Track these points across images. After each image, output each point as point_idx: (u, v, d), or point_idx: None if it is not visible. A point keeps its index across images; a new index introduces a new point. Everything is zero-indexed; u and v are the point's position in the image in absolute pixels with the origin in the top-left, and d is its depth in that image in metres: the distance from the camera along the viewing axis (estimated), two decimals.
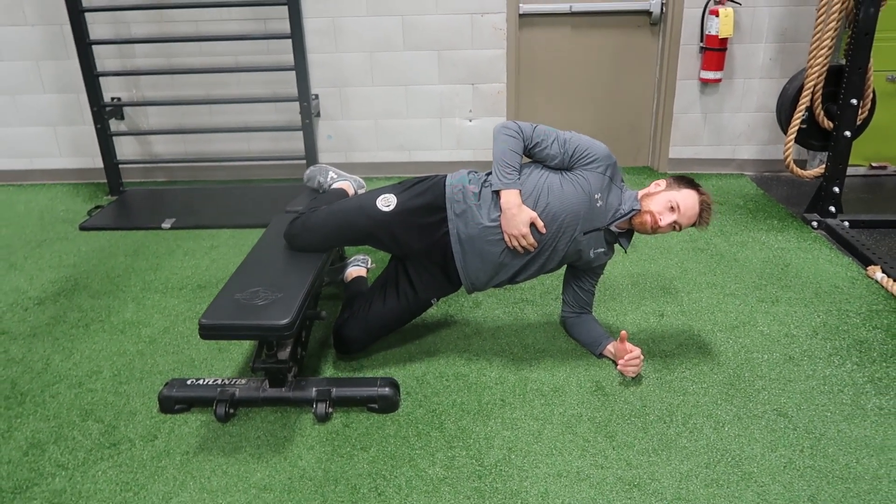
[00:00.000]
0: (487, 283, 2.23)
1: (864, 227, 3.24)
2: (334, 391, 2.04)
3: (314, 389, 2.04)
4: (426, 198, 2.17)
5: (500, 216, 2.08)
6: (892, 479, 1.76)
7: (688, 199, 2.09)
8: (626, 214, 2.12)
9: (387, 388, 2.05)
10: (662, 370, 2.23)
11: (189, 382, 2.09)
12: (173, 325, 2.57)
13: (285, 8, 3.59)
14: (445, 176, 2.22)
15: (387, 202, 2.17)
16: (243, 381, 2.09)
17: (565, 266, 2.32)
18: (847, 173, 3.28)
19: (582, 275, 2.32)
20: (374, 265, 2.81)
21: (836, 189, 3.26)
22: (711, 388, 2.13)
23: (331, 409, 2.03)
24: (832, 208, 3.29)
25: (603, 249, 2.20)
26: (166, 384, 2.10)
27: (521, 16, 3.90)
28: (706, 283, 2.80)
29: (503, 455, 1.87)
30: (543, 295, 2.73)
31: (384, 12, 3.85)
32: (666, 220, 2.08)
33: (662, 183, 2.17)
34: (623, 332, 2.16)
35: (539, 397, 2.11)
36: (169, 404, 2.06)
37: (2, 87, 4.03)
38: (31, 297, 2.80)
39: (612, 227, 2.14)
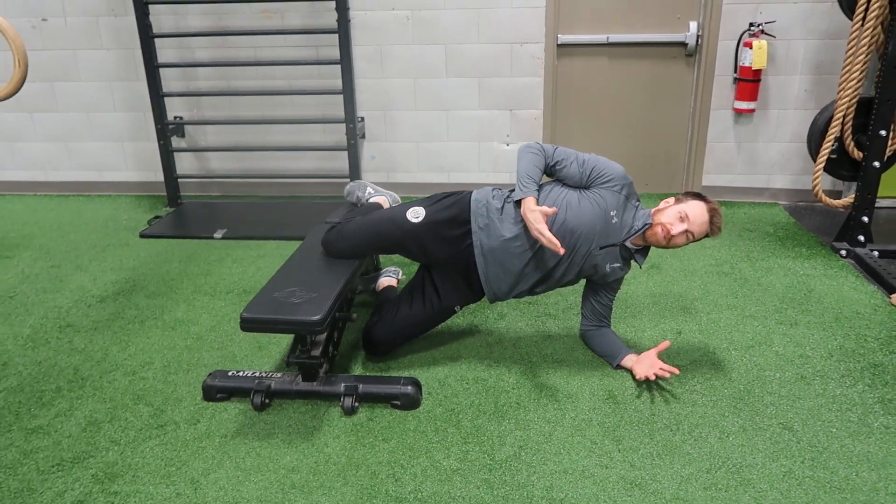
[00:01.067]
0: (508, 294, 2.37)
1: (894, 257, 3.26)
2: (361, 387, 2.20)
3: (343, 385, 2.20)
4: (452, 211, 2.34)
5: (521, 229, 2.23)
6: (890, 492, 1.82)
7: (696, 209, 2.22)
8: (639, 230, 2.24)
9: (409, 387, 2.20)
10: (674, 383, 2.32)
11: (230, 374, 2.29)
12: (219, 325, 2.78)
13: (336, 36, 3.85)
14: (471, 192, 2.39)
15: (416, 214, 2.35)
16: (279, 375, 2.27)
17: (584, 281, 2.45)
18: (882, 205, 3.31)
19: (599, 289, 2.44)
20: (403, 276, 2.99)
21: (865, 219, 3.29)
22: (720, 402, 2.22)
23: (357, 404, 2.19)
24: (861, 237, 3.32)
25: (619, 265, 2.32)
26: (209, 375, 2.30)
27: (559, 46, 4.06)
28: (727, 305, 2.87)
29: (514, 452, 2.00)
30: (566, 310, 2.85)
31: (429, 41, 4.08)
32: (677, 229, 2.19)
33: (671, 200, 2.30)
34: (631, 353, 2.36)
35: (553, 402, 2.23)
36: (211, 393, 2.25)
37: (79, 105, 4.40)
38: (94, 296, 3.07)
39: (628, 243, 2.26)
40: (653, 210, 2.28)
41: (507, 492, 1.84)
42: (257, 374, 2.27)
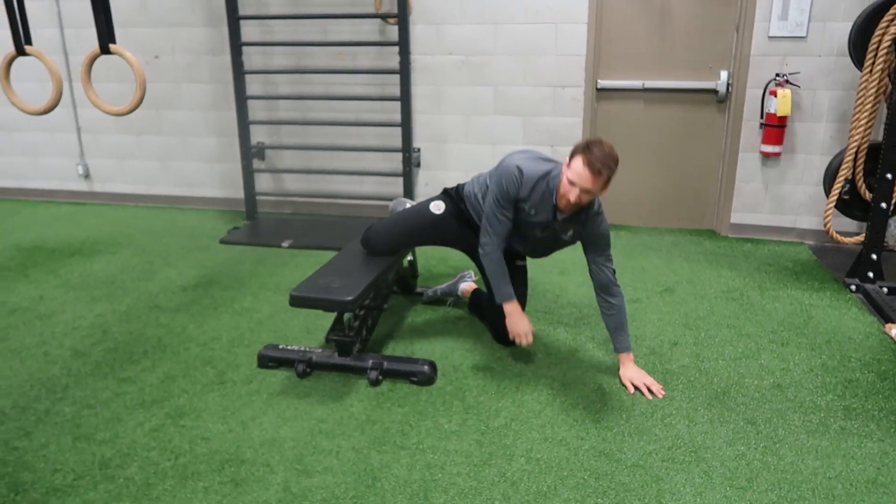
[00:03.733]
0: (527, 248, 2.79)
1: None
2: (386, 364, 2.63)
3: (371, 361, 2.63)
4: (462, 203, 2.84)
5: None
6: (827, 476, 2.08)
7: (576, 168, 2.32)
8: (549, 214, 2.53)
9: (426, 367, 2.61)
10: (659, 380, 2.63)
11: (280, 347, 2.76)
12: (277, 313, 3.28)
13: (399, 76, 4.39)
14: (465, 183, 2.88)
15: (438, 207, 2.84)
16: (319, 350, 2.73)
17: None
18: None
19: (589, 248, 2.61)
20: (477, 276, 3.40)
21: (875, 256, 3.50)
22: (696, 398, 2.51)
23: (381, 378, 2.61)
24: (870, 274, 3.52)
25: (571, 230, 2.57)
26: (264, 347, 2.78)
27: (598, 90, 4.47)
28: (727, 324, 3.15)
29: (505, 422, 2.36)
30: (577, 320, 3.19)
31: (480, 83, 4.57)
32: (573, 195, 2.36)
33: (572, 154, 2.39)
34: (630, 353, 2.66)
35: (548, 388, 2.58)
36: (264, 361, 2.73)
37: (178, 130, 5.12)
38: (178, 285, 3.64)
39: (559, 217, 2.52)
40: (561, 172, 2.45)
41: (494, 450, 2.21)
42: (302, 349, 2.73)
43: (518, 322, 2.65)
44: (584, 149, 2.33)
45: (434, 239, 2.97)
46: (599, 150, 2.31)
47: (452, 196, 2.90)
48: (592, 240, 2.59)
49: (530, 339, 2.65)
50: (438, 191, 4.81)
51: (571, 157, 2.37)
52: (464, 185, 2.90)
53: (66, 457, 2.17)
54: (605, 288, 2.62)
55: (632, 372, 2.61)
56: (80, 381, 2.63)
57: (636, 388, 2.56)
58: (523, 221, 2.61)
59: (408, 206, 3.36)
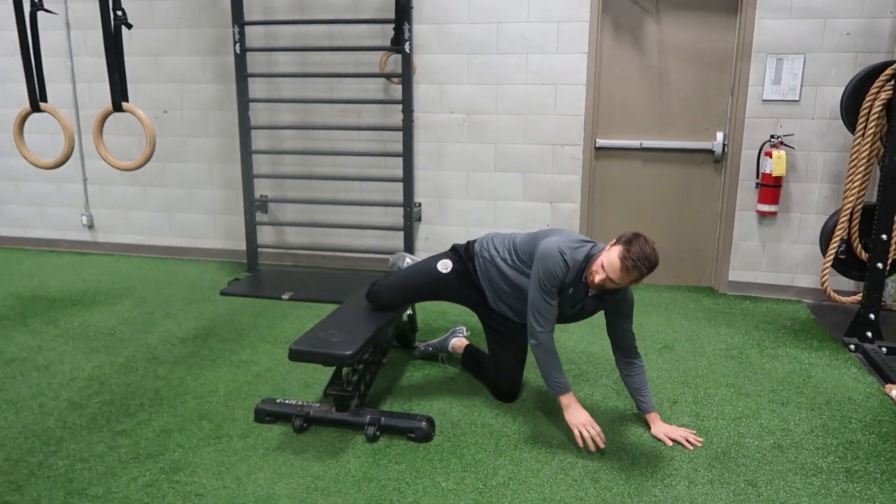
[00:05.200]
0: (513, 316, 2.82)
1: None
2: (383, 420, 2.61)
3: (368, 416, 2.62)
4: (471, 263, 2.86)
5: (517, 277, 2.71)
6: None
7: (611, 256, 2.40)
8: (581, 289, 2.57)
9: (424, 423, 2.59)
10: (659, 442, 2.60)
11: (278, 401, 2.75)
12: (276, 366, 3.27)
13: (401, 133, 4.49)
14: (475, 241, 2.90)
15: (445, 266, 2.86)
16: (317, 405, 2.72)
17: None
18: None
19: (613, 315, 2.68)
20: (469, 332, 3.40)
21: (872, 316, 3.51)
22: (696, 459, 2.49)
23: (378, 433, 2.59)
24: (869, 334, 3.52)
25: (599, 306, 2.64)
26: (261, 401, 2.77)
27: (596, 148, 4.56)
28: (726, 383, 3.14)
29: (503, 481, 2.34)
30: (576, 376, 3.18)
31: (481, 141, 4.67)
32: (598, 277, 2.43)
33: (610, 243, 2.49)
34: (651, 412, 2.66)
35: (546, 447, 2.56)
36: (261, 415, 2.71)
37: (183, 182, 5.20)
38: (177, 337, 3.64)
39: (591, 294, 2.57)
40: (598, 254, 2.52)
41: None
42: (300, 403, 2.72)
43: (577, 413, 2.56)
44: (627, 241, 2.39)
45: (438, 296, 2.99)
46: (639, 248, 2.36)
47: (461, 254, 2.91)
48: (617, 308, 2.63)
49: (596, 428, 2.53)
50: (438, 246, 4.89)
51: (615, 242, 2.43)
52: (474, 242, 2.92)
53: None
54: (628, 351, 2.68)
55: (665, 427, 2.62)
56: (75, 433, 2.61)
57: (675, 441, 2.55)
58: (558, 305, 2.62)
59: (408, 260, 3.39)
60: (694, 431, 2.63)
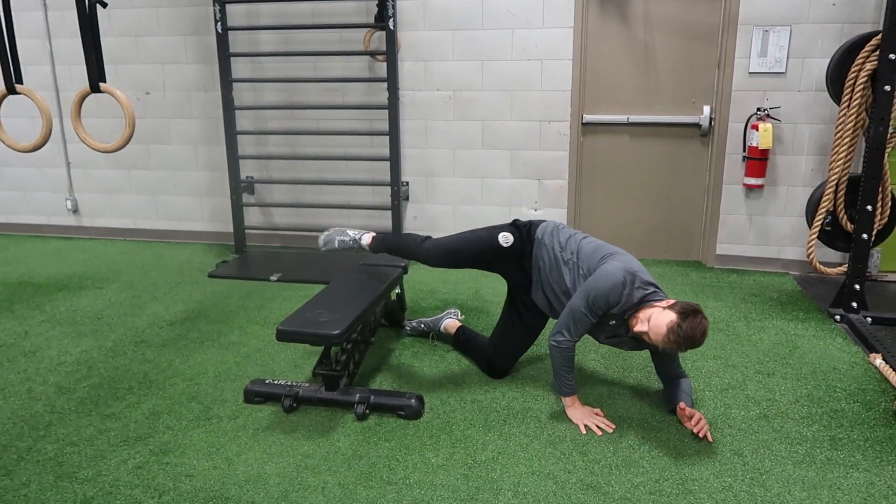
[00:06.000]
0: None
1: (886, 323, 3.47)
2: (373, 398, 2.62)
3: (358, 395, 2.62)
4: (528, 245, 2.80)
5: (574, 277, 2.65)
6: None
7: (660, 318, 2.32)
8: (622, 324, 2.51)
9: (413, 400, 2.60)
10: (647, 415, 2.63)
11: (267, 382, 2.75)
12: (265, 347, 3.27)
13: (387, 111, 4.46)
14: (539, 225, 2.83)
15: (506, 240, 2.78)
16: (307, 385, 2.72)
17: None
18: (891, 279, 3.54)
19: (660, 357, 2.64)
20: (463, 317, 3.40)
21: (857, 286, 3.54)
22: (683, 430, 2.51)
23: (368, 412, 2.60)
24: (854, 304, 3.55)
25: (633, 345, 2.59)
26: (250, 382, 2.77)
27: (583, 124, 4.55)
28: (713, 356, 3.16)
29: (492, 456, 2.35)
30: None
31: (468, 118, 4.64)
32: (638, 327, 2.38)
33: (668, 303, 2.40)
34: (681, 403, 2.54)
35: (535, 422, 2.58)
36: (250, 396, 2.72)
37: (168, 164, 5.15)
38: (165, 320, 3.62)
39: (631, 335, 2.52)
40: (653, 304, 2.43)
41: (481, 484, 2.20)
42: (289, 383, 2.72)
43: (577, 412, 2.59)
44: (684, 313, 2.30)
45: (488, 266, 2.89)
46: (690, 328, 2.28)
47: (522, 232, 2.82)
48: (661, 352, 2.58)
49: (601, 419, 2.56)
50: (427, 225, 4.88)
51: (673, 304, 2.36)
52: (537, 225, 2.83)
53: (47, 496, 2.14)
54: (673, 374, 2.67)
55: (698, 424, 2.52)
56: (64, 418, 2.61)
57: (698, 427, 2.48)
58: (595, 327, 2.58)
59: (349, 232, 3.17)
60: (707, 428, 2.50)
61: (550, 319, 2.90)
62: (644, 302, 2.43)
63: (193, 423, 2.58)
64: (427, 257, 2.95)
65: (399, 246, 3.08)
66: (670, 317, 2.30)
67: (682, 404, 2.53)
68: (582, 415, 2.58)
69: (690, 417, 2.49)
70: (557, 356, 2.57)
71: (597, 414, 2.59)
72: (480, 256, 2.84)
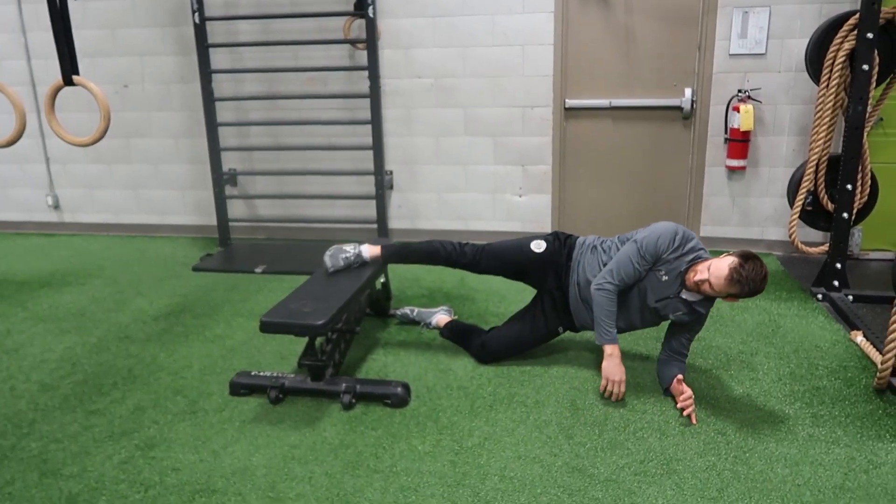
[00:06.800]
0: (592, 324, 2.74)
1: (867, 301, 3.51)
2: (359, 387, 2.62)
3: (343, 385, 2.62)
4: (564, 250, 2.82)
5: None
6: (797, 483, 2.10)
7: (721, 263, 2.40)
8: (677, 282, 2.53)
9: (399, 389, 2.61)
10: (630, 396, 2.64)
11: (253, 374, 2.74)
12: (250, 340, 3.26)
13: (369, 100, 4.43)
14: (578, 237, 2.87)
15: (539, 246, 2.83)
16: (292, 376, 2.72)
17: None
18: (873, 257, 3.58)
19: (679, 329, 2.69)
20: (456, 316, 3.39)
21: (839, 265, 3.57)
22: (667, 411, 2.53)
23: (354, 401, 2.60)
24: (836, 283, 3.59)
25: (682, 311, 2.59)
26: (236, 374, 2.76)
27: (566, 109, 4.54)
28: (697, 337, 3.14)
29: (479, 442, 2.36)
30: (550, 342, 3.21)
31: (450, 105, 4.62)
32: (698, 276, 2.43)
33: (725, 254, 2.47)
34: (679, 375, 2.57)
35: (521, 407, 2.59)
36: (236, 388, 2.71)
37: (149, 158, 5.10)
38: (149, 315, 3.60)
39: (683, 295, 2.56)
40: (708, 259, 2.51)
41: (467, 470, 2.21)
42: (275, 375, 2.72)
43: (615, 368, 2.60)
44: (742, 257, 2.38)
45: (524, 272, 2.91)
46: (753, 268, 2.35)
47: (561, 240, 2.86)
48: (691, 323, 2.64)
49: (622, 389, 2.59)
50: (410, 213, 4.87)
51: (730, 253, 2.44)
52: (576, 237, 2.89)
53: (32, 493, 2.12)
54: (677, 354, 2.70)
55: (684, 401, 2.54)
56: (48, 415, 2.59)
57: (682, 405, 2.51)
58: (645, 287, 2.59)
59: (346, 249, 3.10)
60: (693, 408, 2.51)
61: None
62: (697, 259, 2.50)
63: (179, 416, 2.57)
64: (472, 262, 2.93)
65: (424, 253, 3.03)
66: (731, 260, 2.39)
67: (680, 376, 2.56)
68: (614, 372, 2.59)
69: (682, 393, 2.51)
70: (600, 299, 2.59)
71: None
72: (518, 263, 2.89)
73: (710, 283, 2.42)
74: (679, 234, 2.53)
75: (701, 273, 2.44)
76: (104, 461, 2.29)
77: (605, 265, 2.69)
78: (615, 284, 2.59)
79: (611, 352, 2.62)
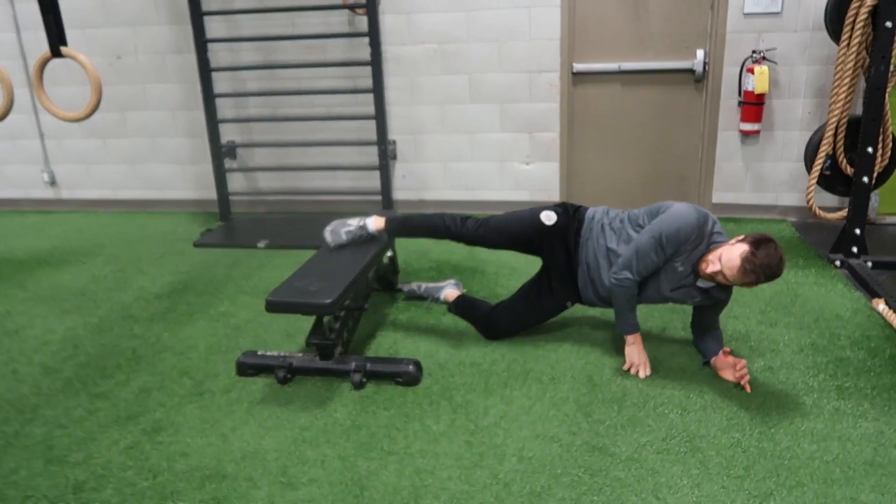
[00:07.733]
0: (599, 301, 2.69)
1: (886, 268, 3.42)
2: (369, 366, 2.55)
3: (353, 363, 2.55)
4: (574, 223, 2.69)
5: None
6: (825, 459, 2.04)
7: (732, 252, 2.29)
8: (689, 273, 2.44)
9: (411, 366, 2.54)
10: (652, 371, 2.57)
11: (259, 353, 2.67)
12: (255, 318, 3.18)
13: (370, 68, 4.29)
14: (588, 208, 2.74)
15: (549, 218, 2.69)
16: (300, 355, 2.64)
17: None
18: (893, 222, 3.48)
19: (706, 308, 2.61)
20: (465, 290, 3.31)
21: (858, 231, 3.47)
22: (688, 385, 2.46)
23: (365, 380, 2.53)
24: (854, 249, 3.49)
25: (698, 299, 2.51)
26: (242, 354, 2.69)
27: (574, 74, 4.40)
28: None
29: (495, 420, 2.30)
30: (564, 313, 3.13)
31: (455, 71, 4.47)
32: (710, 268, 2.34)
33: (736, 239, 2.37)
34: (726, 347, 2.52)
35: (537, 383, 2.52)
36: (243, 369, 2.64)
37: (146, 132, 4.97)
38: (152, 293, 3.52)
39: (698, 284, 2.46)
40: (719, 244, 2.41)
41: (484, 450, 2.14)
42: (282, 354, 2.64)
43: (639, 355, 2.57)
44: (754, 242, 2.27)
45: (531, 245, 2.77)
46: (766, 255, 2.24)
47: (569, 213, 2.73)
48: (713, 304, 2.57)
49: (648, 370, 2.55)
50: (415, 184, 4.76)
51: (742, 239, 2.32)
52: (586, 208, 2.76)
53: (37, 482, 2.06)
54: (710, 325, 2.64)
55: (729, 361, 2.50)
56: (51, 399, 2.52)
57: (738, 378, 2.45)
58: (660, 275, 2.50)
59: (348, 223, 2.99)
60: (741, 363, 2.44)
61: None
62: (712, 244, 2.40)
63: (185, 398, 2.50)
64: (475, 237, 2.80)
65: (426, 227, 2.91)
66: (742, 248, 2.27)
67: (726, 348, 2.51)
68: (637, 355, 2.56)
69: (734, 364, 2.45)
70: (619, 294, 2.53)
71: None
72: (526, 235, 2.75)
73: (722, 274, 2.32)
74: (699, 224, 2.38)
75: (713, 264, 2.33)
76: (110, 447, 2.22)
77: (615, 245, 2.58)
78: (634, 279, 2.49)
79: (633, 341, 2.58)
